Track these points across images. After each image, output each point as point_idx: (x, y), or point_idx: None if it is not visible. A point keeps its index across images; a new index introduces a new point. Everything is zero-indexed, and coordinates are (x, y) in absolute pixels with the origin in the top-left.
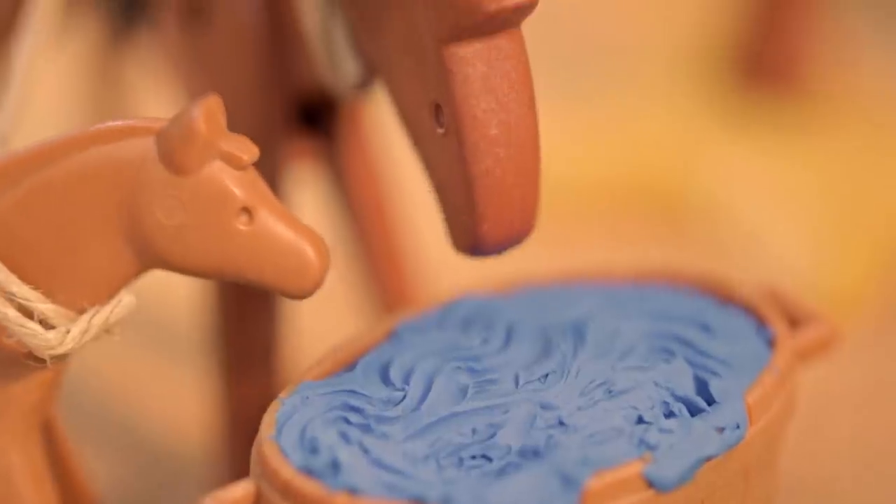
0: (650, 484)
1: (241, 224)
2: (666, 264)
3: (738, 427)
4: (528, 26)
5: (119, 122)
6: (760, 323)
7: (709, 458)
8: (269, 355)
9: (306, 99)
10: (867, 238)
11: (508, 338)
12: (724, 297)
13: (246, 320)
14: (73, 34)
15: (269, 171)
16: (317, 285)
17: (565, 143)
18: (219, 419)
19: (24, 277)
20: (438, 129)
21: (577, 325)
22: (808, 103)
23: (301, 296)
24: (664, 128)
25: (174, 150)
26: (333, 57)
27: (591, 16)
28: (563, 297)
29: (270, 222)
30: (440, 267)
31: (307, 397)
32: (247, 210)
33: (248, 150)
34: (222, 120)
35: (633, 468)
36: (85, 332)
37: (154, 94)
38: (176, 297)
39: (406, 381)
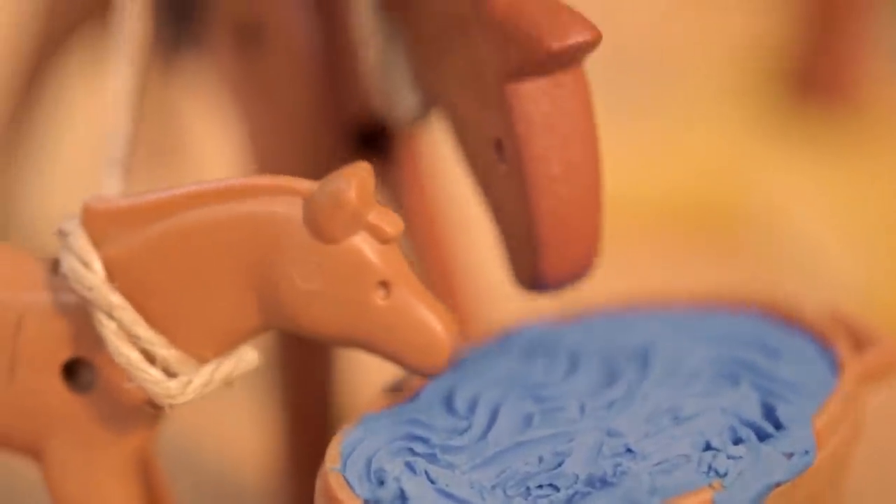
0: None
1: (379, 298)
2: (727, 288)
3: (806, 453)
4: None
5: (267, 179)
6: (825, 345)
7: (778, 485)
8: (330, 386)
9: (362, 123)
10: None
11: (572, 365)
12: (787, 320)
13: (306, 351)
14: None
15: None
16: (445, 365)
17: (620, 162)
18: (281, 452)
19: (149, 321)
20: (500, 164)
21: (641, 352)
22: (862, 118)
23: (428, 374)
24: (719, 145)
25: (321, 218)
26: (391, 87)
27: (644, 32)
28: (625, 324)
29: (407, 299)
30: (496, 293)
31: (371, 428)
32: (385, 284)
33: (393, 224)
34: (372, 190)
35: (703, 496)
36: (207, 383)
37: (202, 118)
38: None
39: (471, 409)
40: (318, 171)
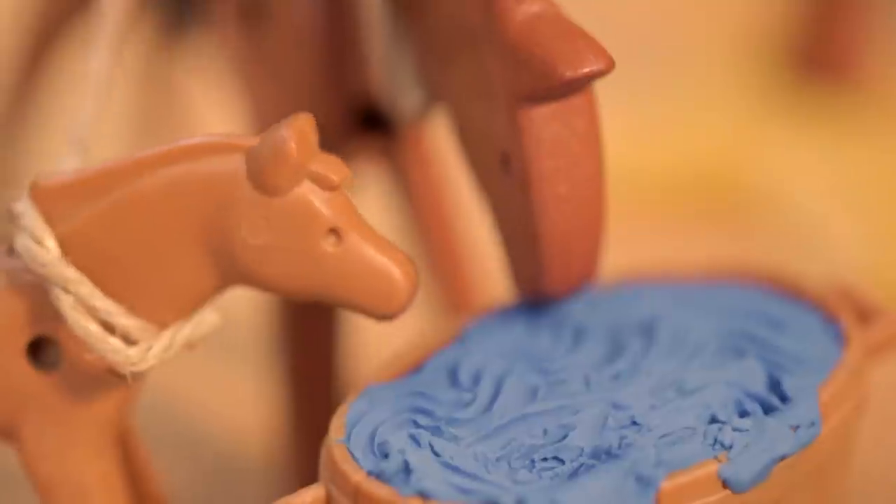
0: (725, 484)
1: (329, 245)
2: (733, 261)
3: (812, 425)
4: (587, 24)
5: (208, 138)
6: (830, 319)
7: (783, 457)
8: (334, 359)
9: (367, 101)
10: None
11: (577, 338)
12: (793, 293)
13: (310, 324)
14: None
15: None
16: (403, 308)
17: (627, 139)
18: (285, 424)
19: (106, 291)
20: (506, 177)
21: (647, 325)
22: (866, 95)
23: (387, 318)
24: (725, 121)
25: (264, 171)
26: (395, 80)
27: (651, 11)
28: (631, 297)
29: (358, 244)
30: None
31: (375, 400)
32: (335, 231)
33: (338, 172)
34: (314, 140)
35: (708, 468)
36: (167, 348)
37: (206, 96)
38: (240, 300)
39: (475, 382)
40: (323, 146)
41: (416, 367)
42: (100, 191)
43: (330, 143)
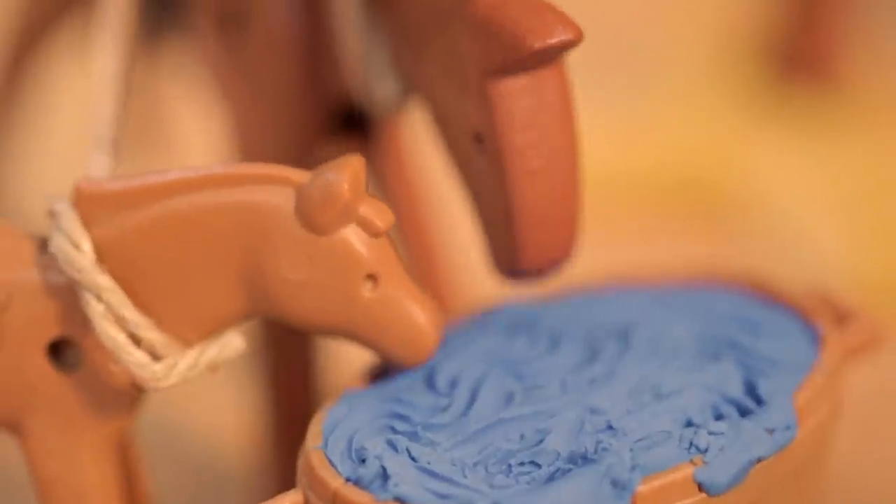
0: (701, 487)
1: (366, 290)
2: (709, 265)
3: (788, 428)
4: None
5: (260, 167)
6: (807, 322)
7: (759, 460)
8: (312, 365)
9: (344, 105)
10: None
11: (554, 342)
12: (770, 297)
13: (289, 331)
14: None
15: None
16: (428, 358)
17: (605, 141)
18: (263, 429)
19: (136, 303)
20: (480, 156)
21: (623, 329)
22: (844, 97)
23: (411, 365)
24: (704, 123)
25: (313, 209)
26: (371, 73)
27: (631, 12)
28: (608, 301)
29: (394, 292)
30: (479, 272)
31: (353, 406)
32: (373, 277)
33: (384, 218)
34: (363, 183)
35: (684, 472)
36: (192, 367)
37: (187, 101)
38: None
39: (452, 387)
40: (300, 155)
41: (394, 373)
42: (143, 203)
43: (308, 147)
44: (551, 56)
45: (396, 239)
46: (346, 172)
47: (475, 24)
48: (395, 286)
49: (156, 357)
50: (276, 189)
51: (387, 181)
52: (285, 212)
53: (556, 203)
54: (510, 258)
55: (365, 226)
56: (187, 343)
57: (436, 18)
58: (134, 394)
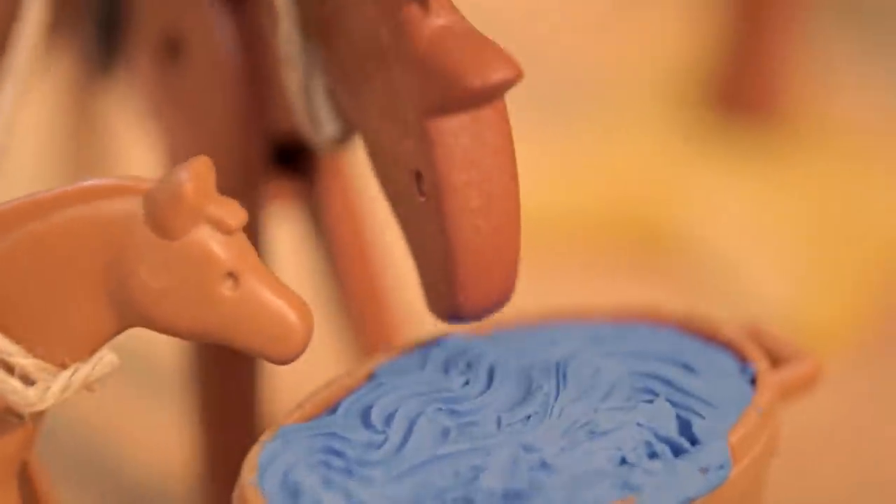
0: None
1: (226, 289)
2: (646, 303)
3: (721, 467)
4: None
5: (106, 181)
6: (742, 361)
7: (693, 500)
8: (249, 398)
9: (285, 139)
10: (847, 270)
11: (490, 379)
12: (706, 336)
13: (225, 363)
14: (47, 71)
15: (247, 211)
16: (299, 352)
17: (542, 174)
18: (199, 463)
19: (4, 331)
20: (419, 196)
21: (559, 366)
22: (786, 133)
23: (283, 362)
24: (641, 159)
25: (160, 214)
26: (312, 111)
27: (567, 46)
28: (544, 337)
29: (255, 288)
30: (421, 308)
31: (288, 441)
32: (232, 275)
33: (235, 215)
34: (211, 182)
35: None
36: (65, 388)
37: (131, 132)
38: (156, 339)
39: (387, 423)
40: (241, 187)
41: (331, 408)
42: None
43: (247, 180)
44: (491, 95)
45: (341, 270)
46: (189, 172)
47: (414, 62)
48: (257, 282)
49: (29, 382)
50: (124, 199)
51: (330, 214)
52: (137, 220)
53: (496, 242)
54: (448, 301)
55: (216, 224)
56: (62, 364)
57: (374, 55)
58: (14, 420)
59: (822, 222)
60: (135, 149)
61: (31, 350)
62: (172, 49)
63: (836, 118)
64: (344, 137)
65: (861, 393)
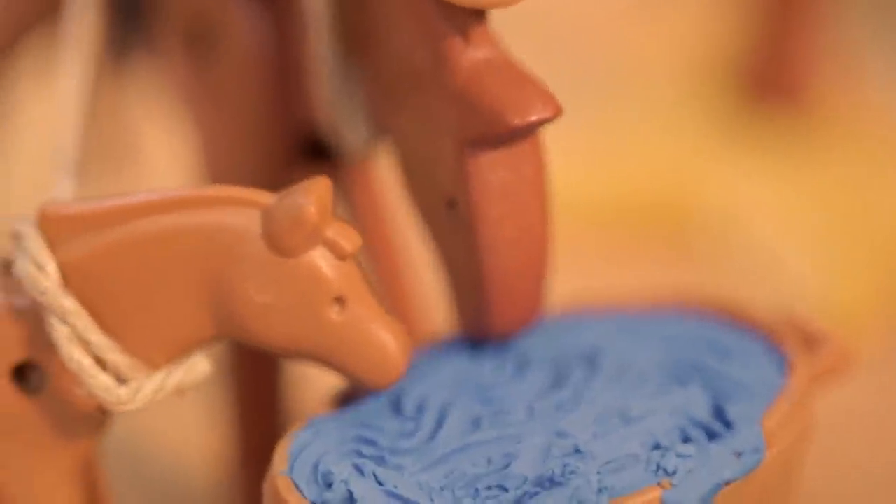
0: None
1: (333, 313)
2: (677, 289)
3: (756, 451)
4: (534, 47)
5: (225, 190)
6: (775, 346)
7: (727, 483)
8: (279, 390)
9: (312, 135)
10: (879, 256)
11: (521, 367)
12: (738, 321)
13: (256, 354)
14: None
15: None
16: (395, 381)
17: (573, 165)
18: (230, 454)
19: (101, 325)
20: (451, 220)
21: (591, 354)
22: (814, 120)
23: (378, 388)
24: (670, 147)
25: (279, 232)
26: (342, 116)
27: (596, 36)
28: (576, 325)
29: (361, 315)
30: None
31: (319, 431)
32: (340, 300)
33: (351, 241)
34: (330, 205)
35: (652, 494)
36: (158, 391)
37: (153, 121)
38: None
39: (419, 412)
40: (268, 178)
41: (360, 398)
42: (108, 225)
43: (275, 172)
44: (529, 132)
45: (366, 264)
46: (312, 195)
47: (453, 94)
48: (363, 309)
49: (121, 380)
50: (242, 211)
51: (356, 207)
52: (252, 234)
53: (526, 273)
54: (477, 322)
55: (332, 248)
56: (154, 366)
57: (412, 75)
58: (99, 417)
59: (852, 208)
60: (157, 140)
61: (125, 347)
62: (202, 39)
63: (866, 105)
64: (371, 143)
65: (891, 375)
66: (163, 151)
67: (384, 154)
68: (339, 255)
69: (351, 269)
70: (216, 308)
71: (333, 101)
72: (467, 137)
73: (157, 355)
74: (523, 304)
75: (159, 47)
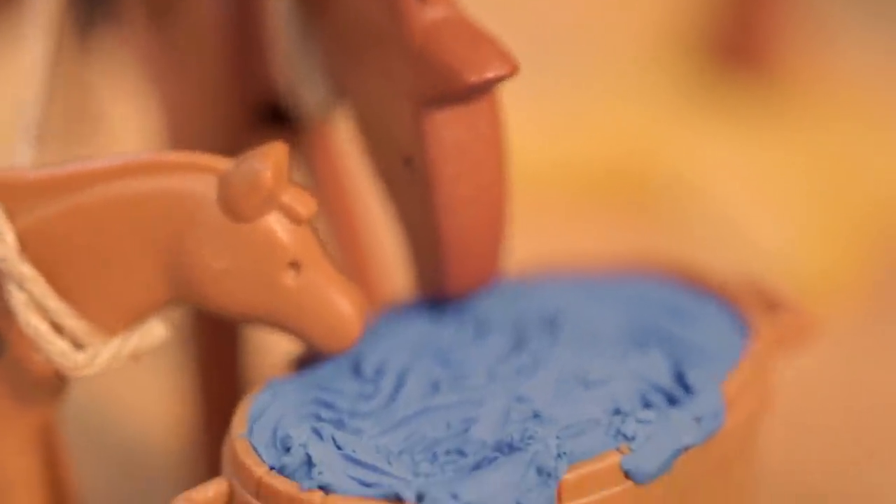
0: (628, 475)
1: (288, 278)
2: (639, 254)
3: (716, 416)
4: (498, 12)
5: (181, 156)
6: (736, 311)
7: (687, 448)
8: (240, 353)
9: (273, 97)
10: (844, 222)
11: (481, 331)
12: (700, 286)
13: (217, 320)
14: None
15: None
16: (351, 344)
17: (538, 130)
18: (191, 418)
19: (58, 291)
20: (408, 179)
21: (551, 318)
22: (781, 87)
23: (334, 352)
24: (638, 113)
25: (235, 197)
26: (300, 77)
27: (565, 2)
28: (536, 290)
29: (316, 280)
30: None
31: (277, 394)
32: (295, 265)
33: (306, 206)
34: (286, 171)
35: (611, 460)
36: (115, 356)
37: (119, 92)
38: None
39: (378, 375)
40: (229, 144)
41: (320, 361)
42: (65, 191)
43: (236, 138)
44: (485, 89)
45: (326, 229)
46: (269, 160)
47: (409, 52)
48: (318, 273)
49: (78, 346)
50: (198, 177)
51: (315, 172)
52: (208, 200)
53: (483, 231)
54: (434, 281)
55: (287, 213)
56: (111, 331)
57: (369, 34)
58: (57, 383)
59: (818, 175)
60: (120, 109)
61: (83, 313)
62: (163, 9)
63: (833, 72)
64: (330, 105)
65: (858, 345)
66: (128, 122)
67: (343, 120)
68: (295, 220)
69: (306, 234)
70: (173, 273)
71: (292, 61)
72: (424, 95)
73: (115, 321)
74: (480, 264)
75: (123, 18)
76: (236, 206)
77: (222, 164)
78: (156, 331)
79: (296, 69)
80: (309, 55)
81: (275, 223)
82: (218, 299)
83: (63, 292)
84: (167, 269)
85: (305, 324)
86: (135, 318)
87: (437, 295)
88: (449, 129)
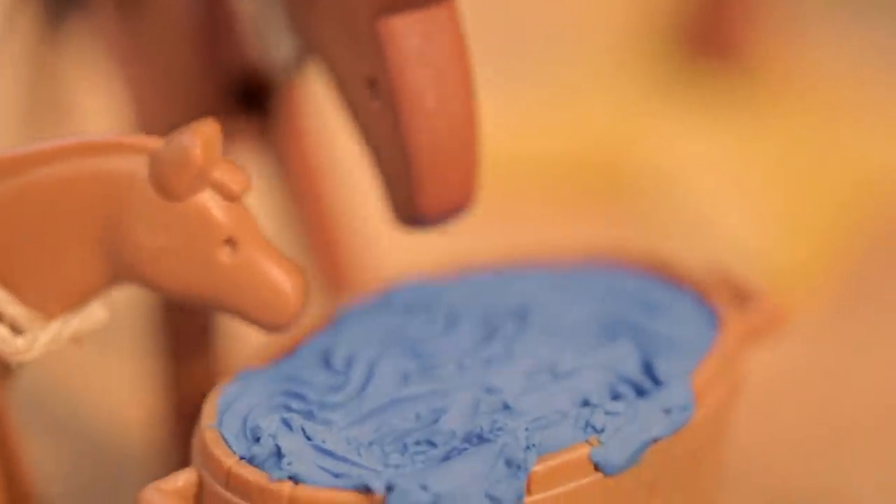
0: (597, 467)
1: (224, 255)
2: (610, 245)
3: (685, 408)
4: (473, 6)
5: (111, 136)
6: (706, 303)
7: (655, 440)
8: (209, 343)
9: (243, 81)
10: (815, 215)
11: (451, 322)
12: (670, 278)
13: (186, 309)
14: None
15: None
16: (291, 322)
17: (510, 121)
18: (161, 408)
19: None
20: (375, 102)
21: (521, 309)
22: (753, 79)
23: (274, 330)
24: (609, 105)
25: (166, 175)
26: (267, 36)
27: None
28: (506, 280)
29: (253, 256)
30: (380, 249)
31: (248, 384)
32: (231, 241)
33: (239, 182)
34: (218, 147)
35: (580, 452)
36: (54, 339)
37: (90, 83)
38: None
39: (348, 366)
40: None
41: (290, 352)
42: None
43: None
44: None
45: (296, 214)
46: (198, 137)
47: None
48: (254, 250)
49: (18, 331)
50: (129, 157)
51: (286, 155)
52: (140, 179)
53: (453, 142)
54: (410, 204)
55: (220, 190)
56: (51, 315)
57: None
58: (0, 369)
59: (789, 167)
60: (90, 97)
61: (21, 299)
62: None
63: (805, 64)
64: (299, 62)
65: (828, 338)
66: (96, 107)
67: (313, 83)
68: (228, 197)
69: (241, 210)
70: (110, 255)
71: (257, 24)
72: (380, 4)
73: (54, 304)
74: (452, 180)
75: (92, 7)
76: (167, 183)
77: (153, 142)
78: (97, 313)
79: (261, 30)
80: (272, 9)
81: (208, 200)
82: (156, 279)
83: (1, 279)
84: (104, 250)
85: (244, 301)
86: (76, 302)
87: (413, 222)
88: (407, 38)
